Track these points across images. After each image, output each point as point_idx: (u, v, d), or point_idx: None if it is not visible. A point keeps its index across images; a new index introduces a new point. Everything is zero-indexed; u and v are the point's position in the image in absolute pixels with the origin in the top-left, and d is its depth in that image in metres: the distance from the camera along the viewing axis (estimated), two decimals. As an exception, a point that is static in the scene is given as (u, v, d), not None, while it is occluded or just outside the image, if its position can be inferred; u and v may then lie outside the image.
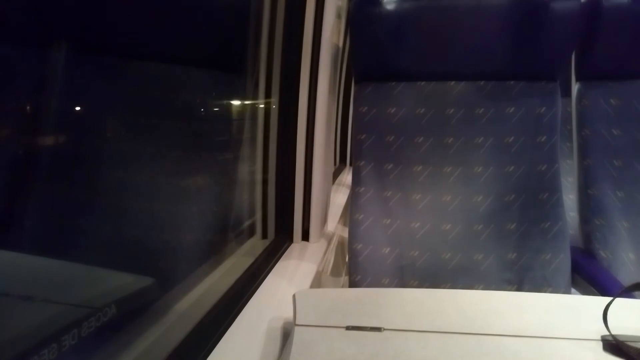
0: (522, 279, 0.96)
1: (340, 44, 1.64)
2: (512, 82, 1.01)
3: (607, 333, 0.53)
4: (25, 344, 0.43)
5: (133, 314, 0.61)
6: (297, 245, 1.07)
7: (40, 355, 0.41)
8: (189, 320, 0.64)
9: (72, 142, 0.83)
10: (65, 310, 0.51)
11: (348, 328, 0.55)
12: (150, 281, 0.66)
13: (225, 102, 1.06)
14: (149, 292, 0.66)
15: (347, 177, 2.41)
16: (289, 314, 0.61)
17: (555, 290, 0.94)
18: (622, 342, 0.51)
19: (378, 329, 0.55)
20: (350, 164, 1.90)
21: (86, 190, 0.82)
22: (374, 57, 1.03)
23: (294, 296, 0.62)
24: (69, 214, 0.79)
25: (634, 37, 1.02)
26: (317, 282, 0.98)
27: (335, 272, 1.36)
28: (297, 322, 0.57)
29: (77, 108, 0.85)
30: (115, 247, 0.77)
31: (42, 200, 0.77)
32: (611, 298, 0.56)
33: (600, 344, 0.53)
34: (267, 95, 1.04)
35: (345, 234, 1.04)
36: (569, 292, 0.96)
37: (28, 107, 0.77)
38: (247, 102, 1.08)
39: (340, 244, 1.41)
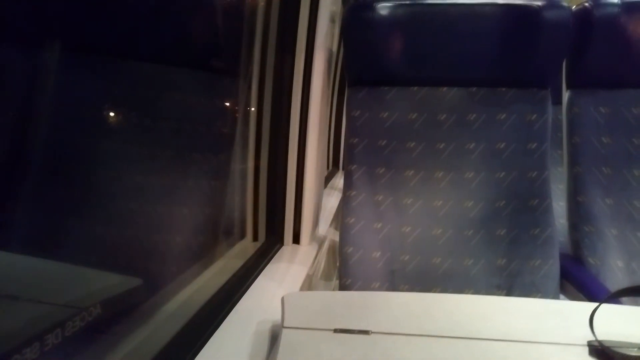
0: (511, 284, 0.96)
1: (334, 49, 1.64)
2: (503, 89, 1.02)
3: (594, 338, 0.53)
4: (6, 343, 0.42)
5: (119, 314, 0.61)
6: (287, 248, 1.06)
7: (22, 354, 0.41)
8: (177, 321, 0.63)
9: (65, 142, 0.83)
10: (49, 310, 0.51)
11: (336, 331, 0.55)
12: (138, 282, 0.66)
13: (217, 104, 1.06)
14: (136, 292, 0.66)
15: (339, 181, 2.41)
16: (277, 316, 0.61)
17: (544, 296, 0.95)
18: (608, 347, 0.51)
19: (366, 332, 0.55)
20: (343, 168, 1.90)
21: (78, 190, 0.82)
22: (367, 61, 1.03)
23: (282, 299, 0.61)
24: (60, 214, 0.78)
25: (625, 46, 1.03)
26: (307, 286, 0.98)
27: (326, 276, 1.36)
28: (285, 325, 0.57)
29: (72, 108, 0.84)
30: (103, 247, 0.77)
31: (33, 200, 0.77)
32: (597, 304, 0.57)
33: (587, 349, 0.53)
34: (260, 98, 1.04)
35: (337, 238, 1.04)
36: (557, 298, 0.97)
37: (23, 108, 0.76)
38: (239, 105, 1.08)
39: (332, 247, 1.41)
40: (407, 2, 1.01)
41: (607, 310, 0.57)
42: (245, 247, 1.05)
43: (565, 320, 0.59)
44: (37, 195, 0.77)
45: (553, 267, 0.96)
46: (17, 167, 0.73)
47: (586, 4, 1.03)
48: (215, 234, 1.00)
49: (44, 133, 0.79)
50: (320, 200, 1.21)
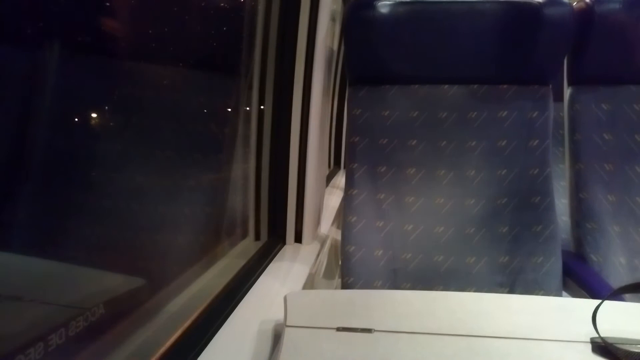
0: (514, 281, 0.96)
1: (335, 47, 1.64)
2: (504, 86, 1.01)
3: (596, 335, 0.53)
4: (10, 343, 0.42)
5: (123, 314, 0.61)
6: (290, 247, 1.07)
7: (26, 354, 0.41)
8: (180, 321, 0.64)
9: (64, 143, 0.83)
10: (53, 310, 0.51)
11: (338, 329, 0.55)
12: (141, 282, 0.66)
13: (218, 103, 1.06)
14: (139, 292, 0.66)
15: (341, 179, 2.41)
16: (280, 315, 0.61)
17: (546, 293, 0.94)
18: (611, 344, 0.51)
19: (368, 330, 0.55)
20: (344, 167, 1.90)
21: (80, 190, 0.82)
22: (368, 60, 1.03)
23: (285, 297, 0.61)
24: (60, 214, 0.78)
25: (626, 43, 1.03)
26: (309, 284, 0.98)
27: (328, 275, 1.36)
28: (287, 324, 0.57)
29: (72, 109, 0.84)
30: (107, 247, 0.77)
31: (33, 201, 0.77)
32: (600, 300, 0.57)
33: (589, 346, 0.53)
34: (261, 97, 1.05)
35: (339, 237, 1.04)
36: (560, 295, 0.97)
37: (21, 109, 0.76)
38: (240, 104, 1.08)
39: (334, 246, 1.41)
40: (408, 0, 1.01)
41: (609, 307, 0.57)
42: (248, 246, 1.05)
43: (568, 317, 0.59)
44: (40, 195, 0.77)
45: (555, 264, 0.96)
46: (18, 168, 0.74)
47: (587, 0, 1.03)
48: (217, 234, 1.01)
49: (44, 133, 0.79)
50: (321, 199, 1.21)
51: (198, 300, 0.72)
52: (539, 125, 1.00)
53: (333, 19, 1.06)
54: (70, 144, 0.82)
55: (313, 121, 1.03)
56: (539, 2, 0.96)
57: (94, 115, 0.87)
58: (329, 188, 2.10)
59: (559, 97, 1.09)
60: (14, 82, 0.72)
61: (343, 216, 1.03)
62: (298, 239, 1.08)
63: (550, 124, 1.01)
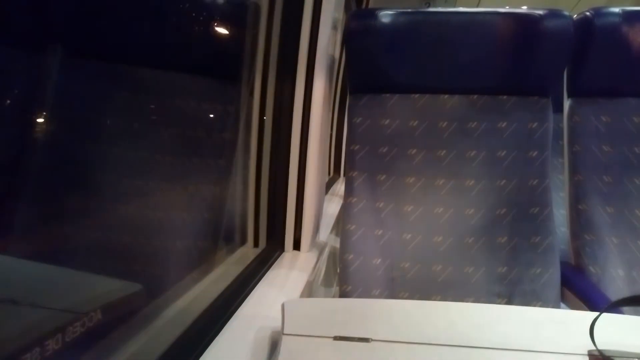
0: (512, 292, 0.96)
1: (336, 55, 1.65)
2: (504, 97, 1.02)
3: (594, 348, 0.53)
4: (7, 347, 0.42)
5: (120, 320, 0.61)
6: (288, 254, 1.06)
7: (23, 359, 0.41)
8: (176, 327, 0.63)
9: (65, 145, 0.83)
10: (50, 315, 0.51)
11: (336, 338, 0.55)
12: (138, 287, 0.66)
13: (219, 110, 1.06)
14: (136, 298, 0.66)
15: (340, 187, 2.41)
16: (278, 323, 0.61)
17: (544, 304, 0.94)
18: (608, 357, 0.51)
19: (366, 340, 0.55)
20: (344, 174, 1.90)
21: (78, 194, 0.82)
22: (368, 68, 1.04)
23: (282, 305, 0.61)
24: (59, 218, 0.78)
25: (625, 56, 1.04)
26: (307, 292, 0.98)
27: (326, 283, 1.36)
28: (285, 332, 0.57)
29: (72, 112, 0.85)
30: (104, 252, 0.77)
31: (32, 204, 0.77)
32: (598, 313, 0.56)
33: (587, 358, 0.53)
34: (262, 104, 1.05)
35: (338, 244, 1.04)
36: (558, 307, 0.97)
37: (22, 110, 0.76)
38: (241, 111, 1.08)
39: (332, 254, 1.41)
40: (409, 10, 1.02)
41: (607, 320, 0.57)
42: (246, 253, 1.05)
43: (566, 329, 0.58)
44: (39, 199, 0.77)
45: (554, 276, 0.96)
46: (20, 171, 0.74)
47: (587, 13, 1.04)
48: (216, 240, 1.00)
49: (45, 138, 0.79)
50: (321, 206, 1.21)
51: (195, 307, 0.71)
52: (538, 136, 1.00)
53: (335, 27, 1.07)
54: (68, 149, 0.82)
55: (313, 128, 1.03)
56: (540, 14, 0.96)
57: (92, 119, 0.87)
58: (328, 195, 2.10)
59: (558, 109, 1.10)
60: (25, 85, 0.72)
61: (342, 224, 1.03)
62: (297, 246, 1.08)
63: (549, 135, 1.01)
